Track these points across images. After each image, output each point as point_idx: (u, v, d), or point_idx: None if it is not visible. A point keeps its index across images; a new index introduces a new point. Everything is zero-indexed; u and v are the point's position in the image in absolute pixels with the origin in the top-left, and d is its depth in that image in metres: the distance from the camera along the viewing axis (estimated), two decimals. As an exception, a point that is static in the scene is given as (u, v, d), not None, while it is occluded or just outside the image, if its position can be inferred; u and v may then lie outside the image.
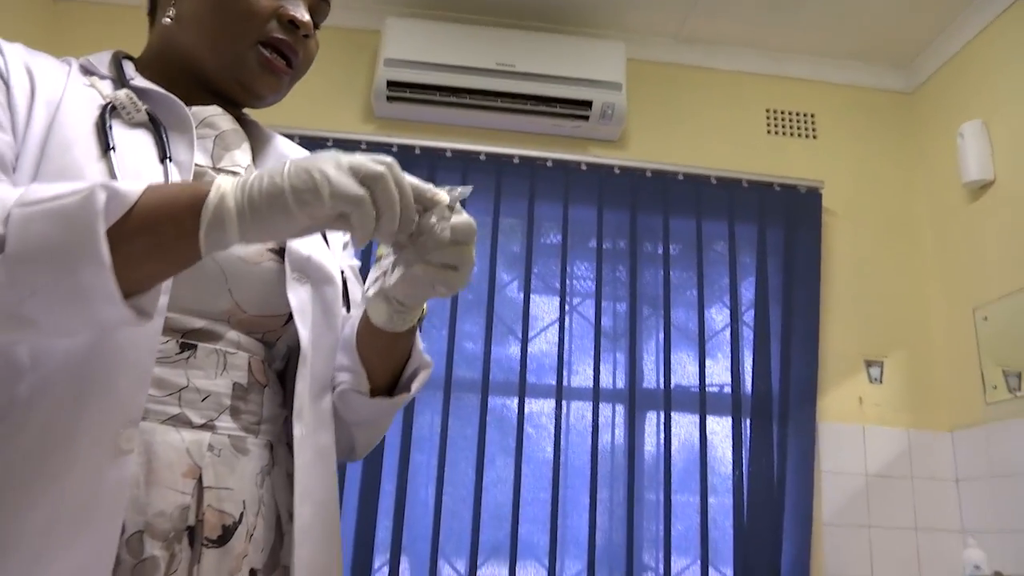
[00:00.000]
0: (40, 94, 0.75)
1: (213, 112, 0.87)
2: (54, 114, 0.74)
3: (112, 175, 0.71)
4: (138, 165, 0.75)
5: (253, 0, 0.84)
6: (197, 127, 0.84)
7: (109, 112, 0.78)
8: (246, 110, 0.95)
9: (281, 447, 0.84)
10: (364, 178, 0.61)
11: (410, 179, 0.65)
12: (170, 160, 0.77)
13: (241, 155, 0.88)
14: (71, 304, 0.58)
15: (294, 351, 0.87)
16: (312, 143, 2.47)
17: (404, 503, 2.22)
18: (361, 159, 0.62)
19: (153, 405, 0.71)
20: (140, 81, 0.84)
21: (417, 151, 2.54)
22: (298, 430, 0.79)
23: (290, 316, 0.83)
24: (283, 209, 0.59)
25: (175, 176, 0.77)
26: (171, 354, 0.74)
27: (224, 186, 0.61)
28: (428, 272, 0.69)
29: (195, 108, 0.85)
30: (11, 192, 0.59)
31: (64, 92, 0.77)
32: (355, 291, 0.96)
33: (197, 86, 0.87)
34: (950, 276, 2.59)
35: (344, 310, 0.90)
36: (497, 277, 2.46)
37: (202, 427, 0.75)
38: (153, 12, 0.91)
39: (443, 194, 0.68)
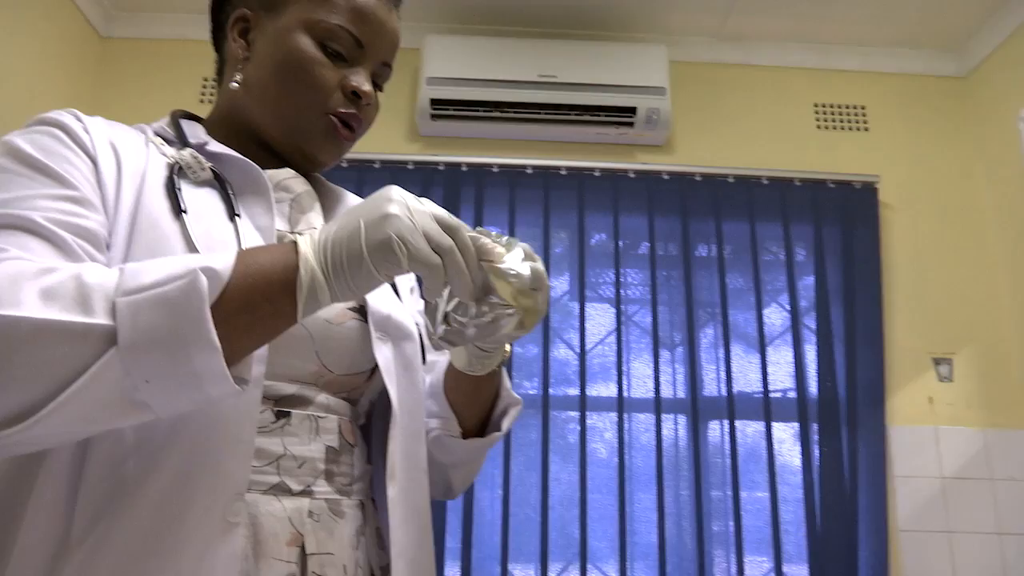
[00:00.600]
0: (126, 168, 0.75)
1: (287, 175, 0.87)
2: (140, 187, 0.74)
3: (186, 238, 0.72)
4: (208, 226, 0.75)
5: (319, 72, 0.84)
6: (275, 190, 0.84)
7: (177, 173, 0.78)
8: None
9: (370, 503, 0.84)
10: (435, 247, 0.62)
11: (472, 235, 0.66)
12: (239, 217, 0.78)
13: (315, 217, 0.88)
14: (184, 387, 0.59)
15: (376, 405, 0.88)
16: (360, 165, 2.48)
17: (472, 513, 2.22)
18: (433, 228, 0.63)
19: (254, 475, 0.71)
20: (215, 146, 0.84)
21: (464, 168, 2.53)
22: (391, 491, 0.79)
23: (372, 372, 0.84)
24: (367, 275, 0.62)
25: (247, 234, 0.77)
26: (267, 423, 0.74)
27: (308, 257, 0.62)
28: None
29: (269, 172, 0.85)
30: (110, 277, 0.59)
31: (147, 163, 0.77)
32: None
33: (264, 150, 0.88)
34: (1018, 265, 2.50)
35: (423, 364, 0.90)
36: (551, 288, 2.43)
37: (301, 494, 0.75)
38: (221, 74, 0.92)
39: (500, 248, 0.69)
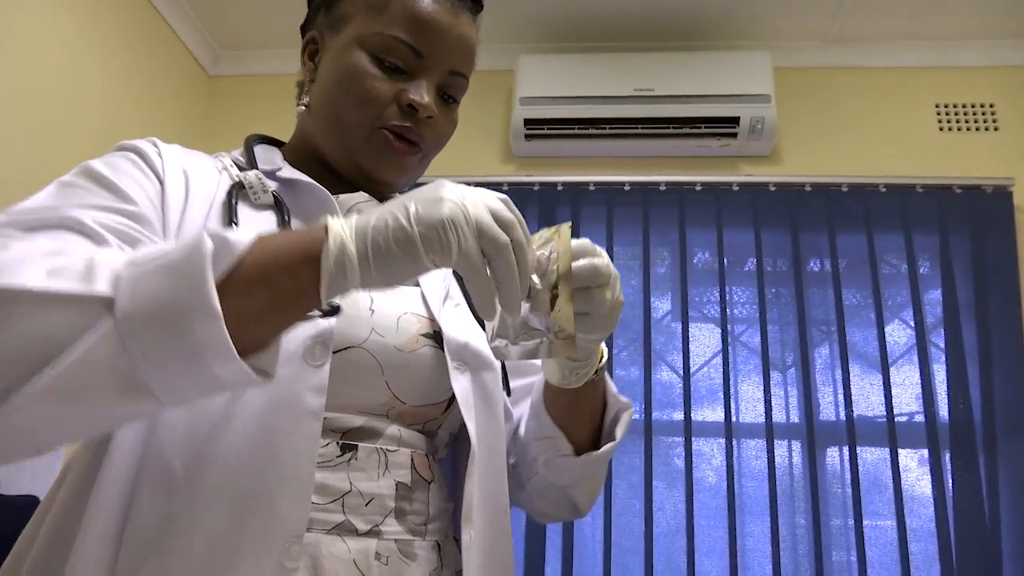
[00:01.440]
0: (195, 192, 0.74)
1: (361, 199, 0.84)
2: (208, 212, 0.73)
3: None
4: None
5: (372, 85, 0.80)
6: (345, 215, 0.81)
7: (236, 191, 0.76)
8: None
9: (449, 544, 0.79)
10: (486, 243, 0.56)
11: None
12: None
13: None
14: (184, 364, 0.52)
15: (456, 437, 0.83)
16: (455, 189, 2.47)
17: (572, 540, 2.14)
18: (487, 220, 0.57)
19: (316, 514, 0.67)
20: (288, 171, 0.82)
21: (559, 187, 2.48)
22: (466, 535, 0.73)
23: (449, 403, 0.79)
24: (412, 258, 0.55)
25: None
26: (331, 457, 0.70)
27: (339, 231, 0.56)
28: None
29: (342, 197, 0.83)
30: (122, 255, 0.55)
31: (217, 188, 0.76)
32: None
33: (333, 174, 0.85)
34: None
35: (505, 394, 0.84)
36: (652, 308, 2.35)
37: (367, 534, 0.70)
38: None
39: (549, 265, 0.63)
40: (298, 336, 0.68)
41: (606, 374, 0.82)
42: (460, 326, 0.81)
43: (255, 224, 0.75)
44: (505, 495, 0.80)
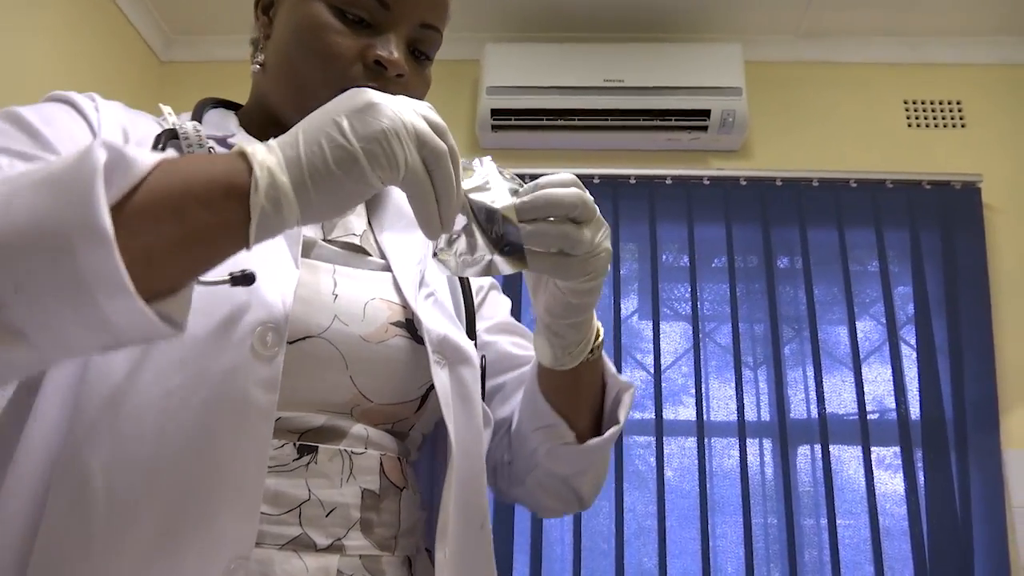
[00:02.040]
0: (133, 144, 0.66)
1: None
2: None
3: None
4: None
5: (334, 40, 0.71)
6: None
7: (165, 138, 0.67)
8: None
9: (422, 558, 0.70)
10: (427, 153, 0.52)
11: None
12: None
13: (356, 220, 0.77)
14: (64, 298, 0.42)
15: (430, 439, 0.75)
16: (419, 181, 2.38)
17: (540, 543, 2.07)
18: (425, 128, 0.52)
19: (268, 526, 0.58)
20: (241, 137, 0.74)
21: (526, 180, 2.40)
22: (441, 553, 0.65)
23: (423, 401, 0.71)
24: (358, 178, 0.49)
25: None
26: (287, 461, 0.61)
27: (265, 158, 0.48)
28: (534, 264, 0.60)
29: None
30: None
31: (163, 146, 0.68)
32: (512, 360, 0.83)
33: None
34: None
35: (481, 396, 0.76)
36: (621, 306, 2.29)
37: (328, 549, 0.61)
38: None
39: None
40: (246, 322, 0.59)
41: (604, 353, 0.75)
42: (437, 316, 0.73)
43: None
44: (485, 505, 0.72)
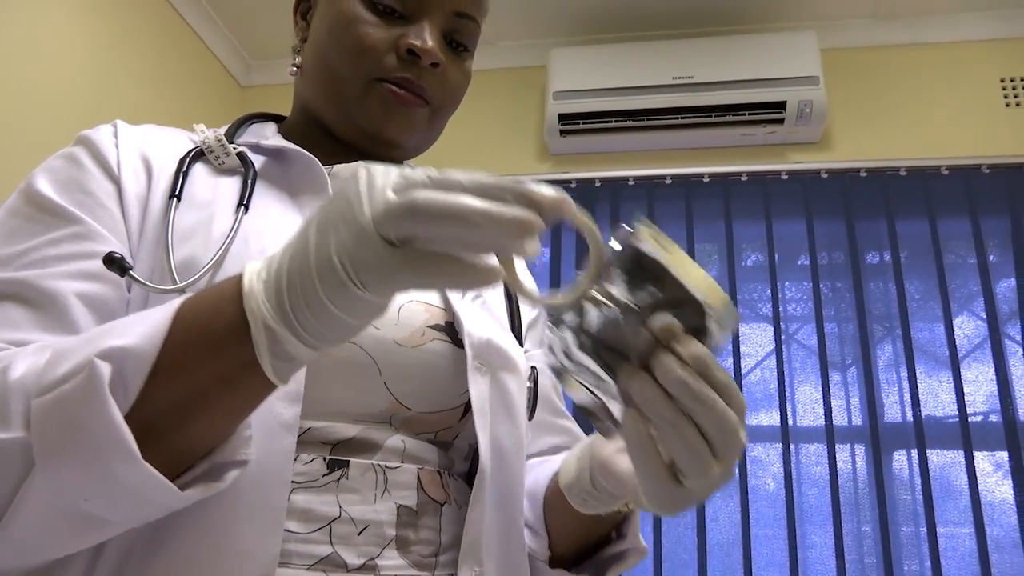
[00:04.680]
0: (158, 175, 0.66)
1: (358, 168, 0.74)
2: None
3: (165, 228, 0.61)
4: (203, 214, 0.64)
5: (365, 32, 0.70)
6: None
7: (191, 158, 0.67)
8: (407, 163, 0.81)
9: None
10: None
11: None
12: (245, 208, 0.65)
13: None
14: (130, 500, 0.48)
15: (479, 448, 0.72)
16: (488, 190, 2.38)
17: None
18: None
19: (295, 545, 0.57)
20: (274, 140, 0.73)
21: (597, 183, 2.38)
22: (467, 574, 0.62)
23: (467, 408, 0.68)
24: (329, 318, 0.44)
25: (254, 229, 0.64)
26: (316, 476, 0.59)
27: (257, 294, 0.45)
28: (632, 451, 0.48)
29: (337, 167, 0.73)
30: (36, 365, 0.48)
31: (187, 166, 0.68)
32: (549, 392, 0.80)
33: (335, 141, 0.76)
34: None
35: (527, 412, 0.73)
36: (698, 309, 2.22)
37: (360, 569, 0.59)
38: None
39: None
40: None
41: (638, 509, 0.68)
42: (483, 319, 0.71)
43: (207, 189, 0.66)
44: (521, 524, 0.69)
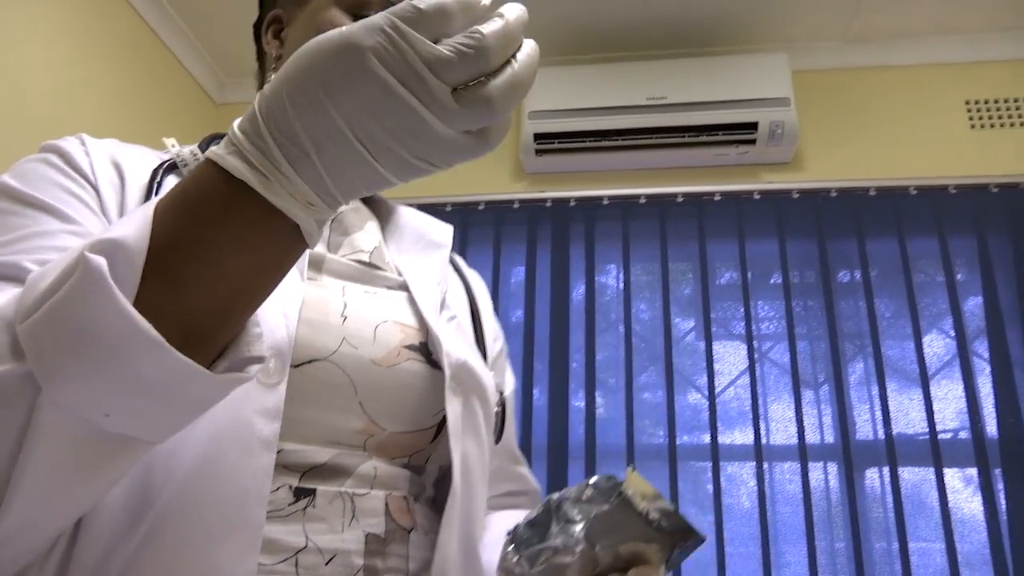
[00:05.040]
0: (131, 185, 0.64)
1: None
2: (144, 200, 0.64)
3: None
4: None
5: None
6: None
7: (164, 170, 0.66)
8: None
9: None
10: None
11: None
12: None
13: (364, 238, 0.75)
14: (158, 403, 0.44)
15: (447, 472, 0.71)
16: (463, 208, 2.39)
17: None
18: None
19: None
20: None
21: (572, 203, 2.39)
22: None
23: (439, 428, 0.68)
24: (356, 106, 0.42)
25: None
26: (282, 506, 0.58)
27: (238, 136, 0.43)
28: None
29: None
30: (13, 296, 0.45)
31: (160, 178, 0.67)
32: (510, 426, 0.80)
33: None
34: None
35: (495, 436, 0.74)
36: (673, 327, 2.24)
37: None
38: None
39: None
40: None
41: None
42: (456, 340, 0.71)
43: None
44: (479, 547, 0.68)
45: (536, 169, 2.49)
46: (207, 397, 0.46)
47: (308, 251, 0.64)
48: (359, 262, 0.72)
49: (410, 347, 0.67)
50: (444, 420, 0.67)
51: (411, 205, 2.55)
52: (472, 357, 0.71)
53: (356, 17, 0.71)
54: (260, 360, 0.47)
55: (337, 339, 0.63)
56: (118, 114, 2.24)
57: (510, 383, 0.89)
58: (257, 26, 0.84)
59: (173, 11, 2.42)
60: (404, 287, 0.73)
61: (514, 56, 0.43)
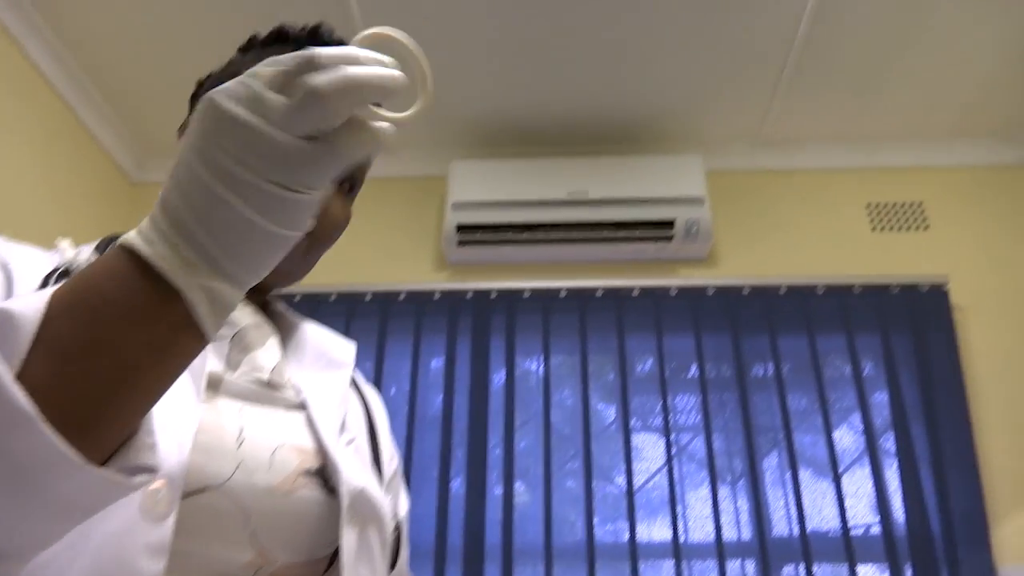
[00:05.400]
0: (20, 287, 0.60)
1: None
2: None
3: None
4: None
5: None
6: None
7: (57, 277, 0.62)
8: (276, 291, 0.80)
9: None
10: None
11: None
12: None
13: (265, 355, 0.72)
14: (28, 497, 0.39)
15: None
16: (384, 297, 2.36)
17: None
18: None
19: None
20: None
21: (493, 295, 2.39)
22: None
23: (331, 559, 0.65)
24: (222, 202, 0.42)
25: None
26: None
27: (147, 227, 0.43)
28: None
29: None
30: None
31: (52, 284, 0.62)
32: (404, 552, 0.77)
33: None
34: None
35: (388, 563, 0.71)
36: (592, 419, 2.23)
37: None
38: None
39: None
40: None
41: None
42: (355, 465, 0.69)
43: None
44: None
45: (458, 260, 2.50)
46: (82, 497, 0.41)
47: (206, 372, 0.62)
48: (258, 381, 0.70)
49: (307, 472, 0.64)
50: (338, 549, 0.64)
51: (330, 293, 2.50)
52: (370, 483, 0.69)
53: None
54: (151, 471, 0.44)
55: (232, 465, 0.60)
56: (29, 190, 2.16)
57: (404, 505, 0.87)
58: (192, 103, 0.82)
59: (91, 87, 2.37)
60: (303, 407, 0.71)
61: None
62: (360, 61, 0.44)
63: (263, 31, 0.79)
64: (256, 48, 0.79)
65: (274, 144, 0.41)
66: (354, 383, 0.84)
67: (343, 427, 0.72)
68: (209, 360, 0.64)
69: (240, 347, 0.71)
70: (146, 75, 2.33)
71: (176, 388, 0.57)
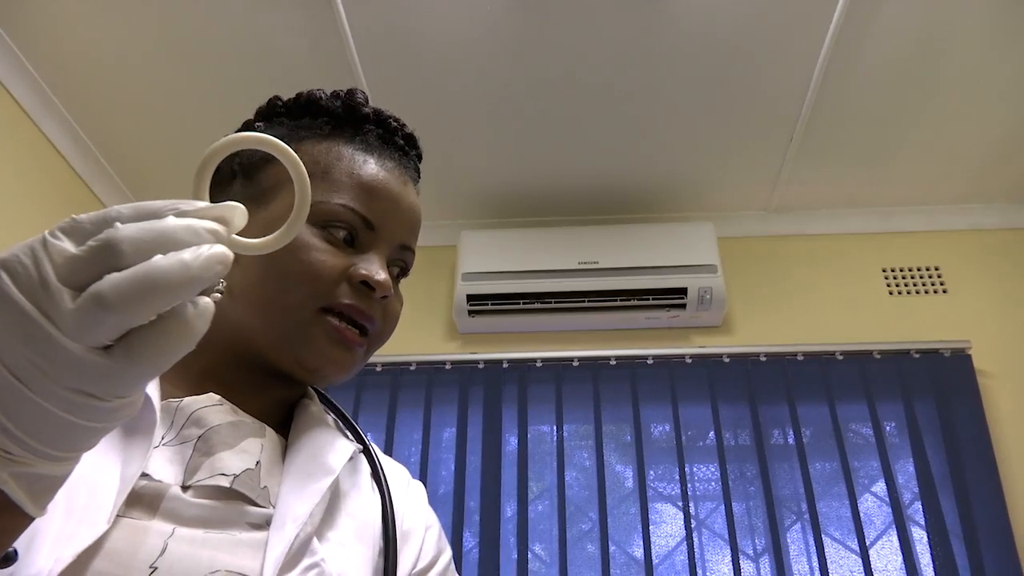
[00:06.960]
0: None
1: (206, 403, 0.63)
2: None
3: None
4: None
5: (318, 259, 0.66)
6: (184, 426, 0.61)
7: None
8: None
9: None
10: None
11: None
12: None
13: (233, 459, 0.61)
14: None
15: None
16: (394, 368, 2.34)
17: None
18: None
19: None
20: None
21: (505, 364, 2.36)
22: None
23: None
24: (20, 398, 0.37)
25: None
26: None
27: None
28: None
29: (187, 400, 0.62)
30: None
31: None
32: None
33: (260, 372, 0.69)
34: None
35: None
36: (608, 489, 2.16)
37: None
38: None
39: None
40: None
41: None
42: (345, 552, 0.61)
43: None
44: None
45: (469, 330, 2.48)
46: None
47: (136, 479, 0.55)
48: (216, 489, 0.59)
49: None
50: None
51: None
52: (353, 560, 0.60)
53: (323, 232, 0.69)
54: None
55: None
56: (21, 238, 2.14)
57: None
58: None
59: (93, 147, 2.39)
60: (265, 525, 0.60)
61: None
62: (175, 243, 0.37)
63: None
64: (280, 117, 0.76)
65: (65, 352, 0.36)
66: (378, 481, 0.74)
67: (310, 548, 0.60)
68: (161, 469, 0.57)
69: (203, 450, 0.60)
70: (132, 117, 2.27)
71: (92, 498, 0.52)
